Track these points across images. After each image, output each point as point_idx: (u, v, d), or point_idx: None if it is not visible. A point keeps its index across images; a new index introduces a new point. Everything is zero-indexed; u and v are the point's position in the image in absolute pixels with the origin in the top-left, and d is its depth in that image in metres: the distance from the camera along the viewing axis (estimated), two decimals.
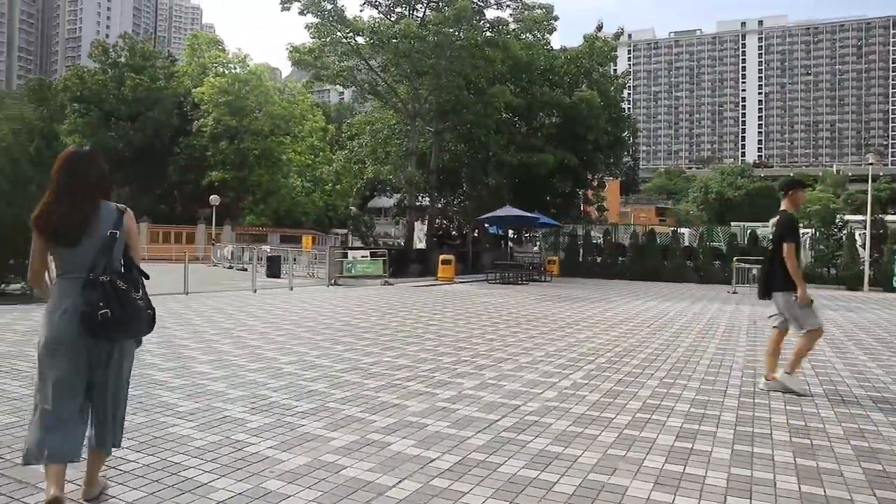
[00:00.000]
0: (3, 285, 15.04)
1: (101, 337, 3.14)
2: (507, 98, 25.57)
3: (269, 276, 25.40)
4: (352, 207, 54.52)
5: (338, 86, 27.48)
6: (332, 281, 21.12)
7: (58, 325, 3.16)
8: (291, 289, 18.53)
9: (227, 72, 48.78)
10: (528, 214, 25.37)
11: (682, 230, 35.82)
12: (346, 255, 22.47)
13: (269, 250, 32.19)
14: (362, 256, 22.29)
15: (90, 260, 3.20)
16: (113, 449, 3.46)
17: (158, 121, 48.47)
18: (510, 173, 29.63)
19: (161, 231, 44.76)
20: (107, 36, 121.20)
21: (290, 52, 24.92)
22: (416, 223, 31.39)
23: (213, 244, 37.64)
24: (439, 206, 32.94)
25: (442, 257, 24.48)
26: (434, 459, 4.08)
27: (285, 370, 6.76)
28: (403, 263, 25.84)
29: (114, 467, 3.82)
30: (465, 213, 33.22)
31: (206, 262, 35.70)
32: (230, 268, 31.25)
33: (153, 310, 3.40)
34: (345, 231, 60.57)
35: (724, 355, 8.43)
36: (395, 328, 10.17)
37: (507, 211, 24.80)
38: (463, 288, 20.70)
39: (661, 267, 27.88)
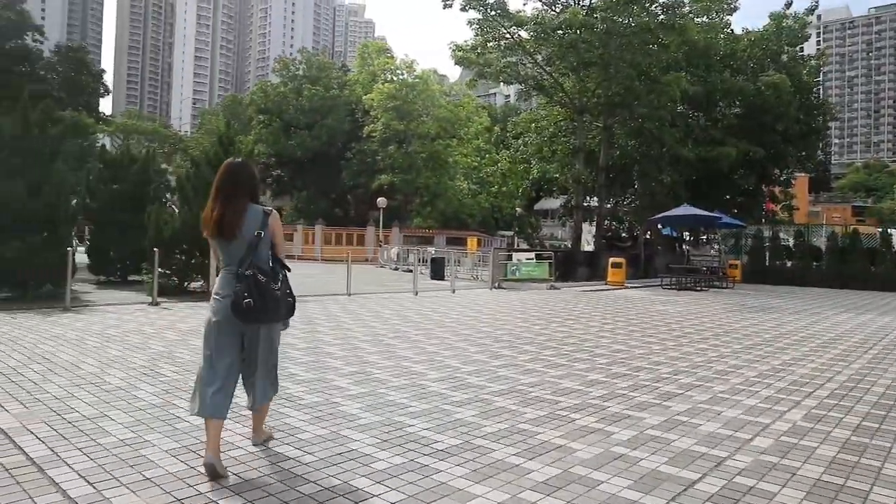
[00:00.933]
0: (186, 283, 15.79)
1: (247, 321, 3.74)
2: (684, 86, 23.30)
3: (432, 278, 25.13)
4: (518, 208, 53.68)
5: (501, 83, 26.65)
6: (496, 284, 20.33)
7: (217, 307, 3.82)
8: (453, 291, 17.94)
9: (395, 78, 49.96)
10: (709, 214, 22.99)
11: (891, 231, 31.20)
12: (510, 257, 21.58)
13: (433, 252, 32.19)
14: (527, 258, 21.27)
15: (241, 255, 3.77)
16: (267, 402, 4.13)
17: (332, 128, 50.76)
18: (686, 169, 27.21)
19: (334, 233, 46.58)
20: (290, 54, 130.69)
21: (453, 50, 24.50)
22: (583, 224, 29.82)
23: (380, 246, 38.45)
24: (608, 205, 31.10)
25: (612, 260, 22.85)
26: None
27: (431, 389, 5.89)
28: (570, 266, 24.49)
29: None
30: (637, 212, 31.10)
31: (374, 264, 36.52)
32: (396, 269, 31.57)
33: (294, 298, 3.99)
34: (511, 233, 59.87)
35: None
36: (560, 340, 9.02)
37: (685, 210, 22.62)
38: (635, 294, 19.01)
39: (868, 273, 24.19)
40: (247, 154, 57.26)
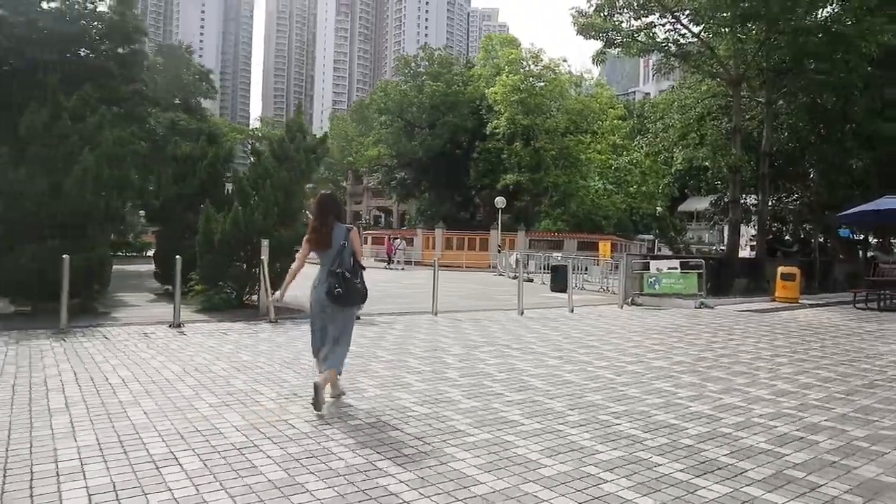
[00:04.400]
0: (245, 296, 13.40)
1: (336, 304, 5.31)
2: (885, 39, 17.45)
3: (553, 290, 21.21)
4: (658, 208, 47.93)
5: (633, 55, 21.81)
6: (629, 300, 16.08)
7: (315, 294, 5.44)
8: (571, 311, 13.90)
9: (520, 70, 46.01)
10: None
11: None
12: (647, 267, 17.10)
13: (559, 258, 28.07)
14: (669, 268, 16.68)
15: (332, 258, 5.35)
16: (335, 370, 5.46)
17: (454, 125, 47.62)
18: (878, 151, 21.19)
19: (455, 237, 43.48)
20: None
21: (575, 17, 20.21)
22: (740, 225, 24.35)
23: (499, 251, 34.72)
24: (772, 201, 25.38)
25: (782, 270, 17.77)
26: None
27: None
28: (725, 277, 19.56)
29: None
30: (811, 208, 25.19)
31: (494, 271, 33.04)
32: (514, 278, 27.80)
33: (366, 290, 5.47)
34: (650, 236, 54.10)
35: None
36: (732, 440, 4.82)
37: (890, 203, 17.01)
38: (821, 317, 14.03)
39: None
40: (371, 157, 55.99)
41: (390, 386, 6.04)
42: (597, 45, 21.43)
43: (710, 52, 20.05)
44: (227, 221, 13.15)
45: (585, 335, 10.00)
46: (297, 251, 6.25)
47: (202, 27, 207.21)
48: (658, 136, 24.09)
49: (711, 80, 22.15)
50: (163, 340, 8.54)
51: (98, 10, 27.28)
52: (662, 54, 21.47)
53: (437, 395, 5.71)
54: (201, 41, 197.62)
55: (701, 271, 16.28)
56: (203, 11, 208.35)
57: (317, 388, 5.03)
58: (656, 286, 16.43)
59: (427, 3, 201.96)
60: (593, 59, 21.27)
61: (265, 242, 12.15)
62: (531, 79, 44.41)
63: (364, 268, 5.47)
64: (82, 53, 24.63)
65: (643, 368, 7.25)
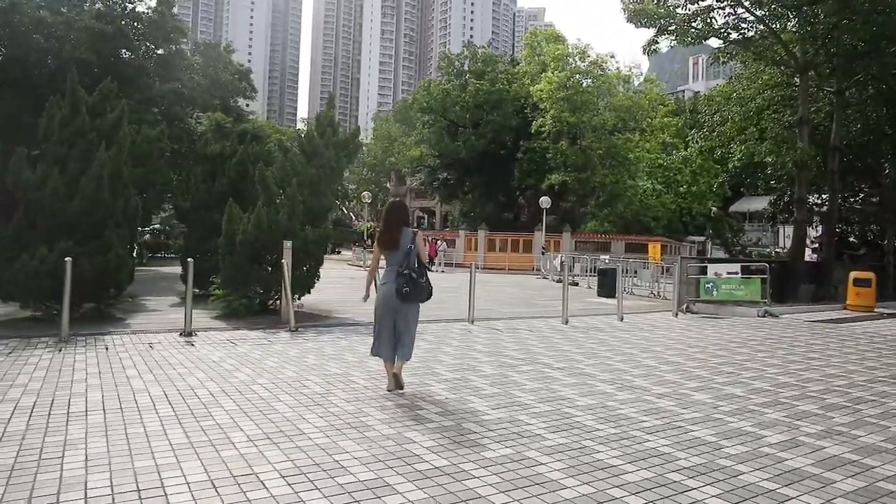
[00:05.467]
0: (271, 301, 12.59)
1: (404, 301, 5.82)
2: None
3: (601, 295, 20.00)
4: (713, 207, 45.85)
5: (688, 43, 20.06)
6: (684, 307, 14.76)
7: (383, 291, 5.92)
8: (621, 319, 12.68)
9: (566, 66, 44.45)
10: None
11: None
12: (704, 271, 15.70)
13: (607, 261, 26.68)
14: (729, 273, 15.25)
15: (400, 260, 5.87)
16: (405, 360, 6.01)
17: (498, 124, 46.33)
18: None
19: (498, 239, 42.28)
20: None
21: (625, 2, 18.78)
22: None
23: (543, 253, 33.40)
24: (839, 199, 23.45)
25: (855, 275, 16.19)
26: None
27: None
28: (789, 282, 17.96)
29: None
30: (885, 207, 23.22)
31: (538, 274, 31.81)
32: (559, 281, 26.53)
33: (431, 287, 6.01)
34: (702, 238, 51.91)
35: None
36: (856, 488, 3.62)
37: None
38: None
39: None
40: (412, 157, 55.23)
41: (402, 420, 4.97)
42: (647, 34, 19.98)
43: (775, 36, 18.41)
44: (249, 222, 12.33)
45: (640, 351, 8.77)
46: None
47: (251, 31, 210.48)
48: (715, 131, 22.44)
49: (773, 69, 20.45)
50: (164, 353, 7.68)
51: (137, 9, 27.04)
52: (720, 42, 19.85)
53: (458, 436, 4.60)
54: (250, 45, 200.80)
55: (765, 276, 14.82)
56: (252, 16, 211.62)
57: (393, 387, 5.88)
58: (714, 292, 15.05)
59: (472, 3, 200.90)
60: (644, 50, 19.78)
61: (287, 244, 11.27)
62: (578, 75, 42.88)
63: (429, 268, 6.28)
64: (123, 54, 24.27)
65: (713, 398, 6.01)
